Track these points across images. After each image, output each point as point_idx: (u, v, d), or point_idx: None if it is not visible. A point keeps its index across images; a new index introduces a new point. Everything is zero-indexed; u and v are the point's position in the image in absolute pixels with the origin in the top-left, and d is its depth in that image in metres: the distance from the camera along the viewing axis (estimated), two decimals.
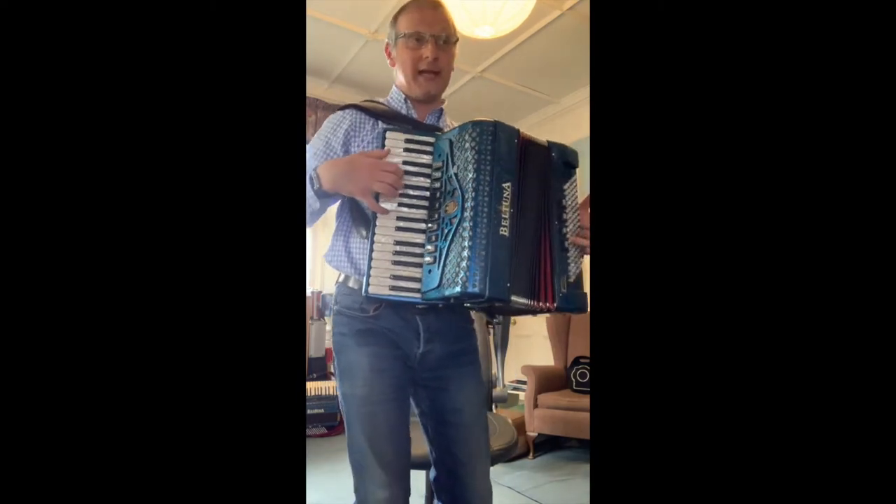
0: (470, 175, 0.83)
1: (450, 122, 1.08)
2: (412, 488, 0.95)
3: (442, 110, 1.07)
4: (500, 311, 0.98)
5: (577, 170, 0.95)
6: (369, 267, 0.85)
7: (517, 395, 3.44)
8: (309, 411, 3.09)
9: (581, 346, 3.04)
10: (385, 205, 0.86)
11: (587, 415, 2.49)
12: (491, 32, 2.30)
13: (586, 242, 0.90)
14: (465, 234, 0.81)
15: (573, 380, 2.91)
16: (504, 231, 0.82)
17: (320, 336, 3.46)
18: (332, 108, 3.46)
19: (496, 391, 1.68)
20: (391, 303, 0.91)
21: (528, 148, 0.88)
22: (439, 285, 0.82)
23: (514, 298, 0.83)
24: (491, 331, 0.99)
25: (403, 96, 1.03)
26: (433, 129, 0.98)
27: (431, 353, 0.96)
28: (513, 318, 2.59)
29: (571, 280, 0.89)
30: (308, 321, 3.40)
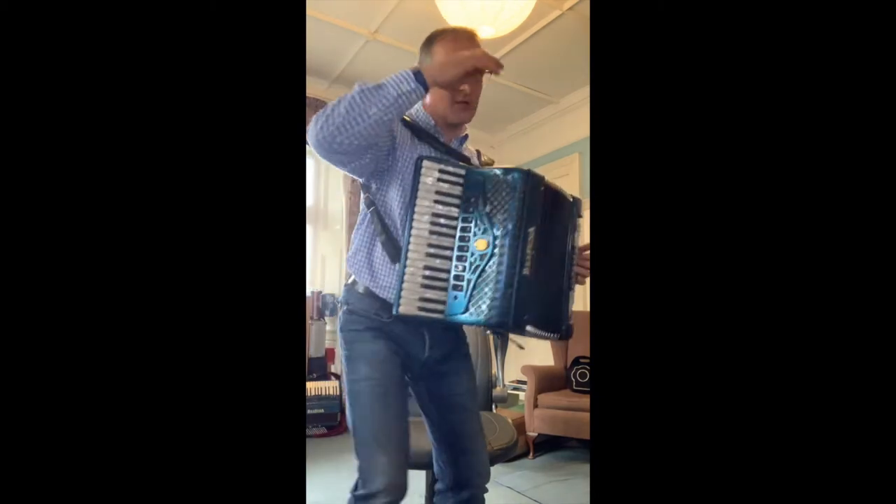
0: (501, 217, 0.93)
1: (470, 148, 1.18)
2: (412, 488, 0.96)
3: (466, 136, 1.15)
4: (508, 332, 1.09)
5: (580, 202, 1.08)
6: (400, 289, 0.93)
7: (517, 395, 3.44)
8: (309, 411, 3.09)
9: (581, 346, 3.04)
10: (417, 231, 0.94)
11: (587, 415, 2.49)
12: (491, 32, 2.29)
13: (584, 273, 1.05)
14: (493, 270, 0.92)
15: (573, 380, 2.91)
16: (527, 271, 0.92)
17: (320, 336, 3.46)
18: None
19: (496, 391, 1.68)
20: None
21: (554, 199, 1.00)
22: (465, 311, 0.93)
23: (529, 329, 0.95)
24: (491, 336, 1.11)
25: (432, 120, 1.09)
26: (461, 157, 1.09)
27: (433, 356, 1.08)
28: None
29: (569, 315, 1.04)
30: (308, 321, 3.40)
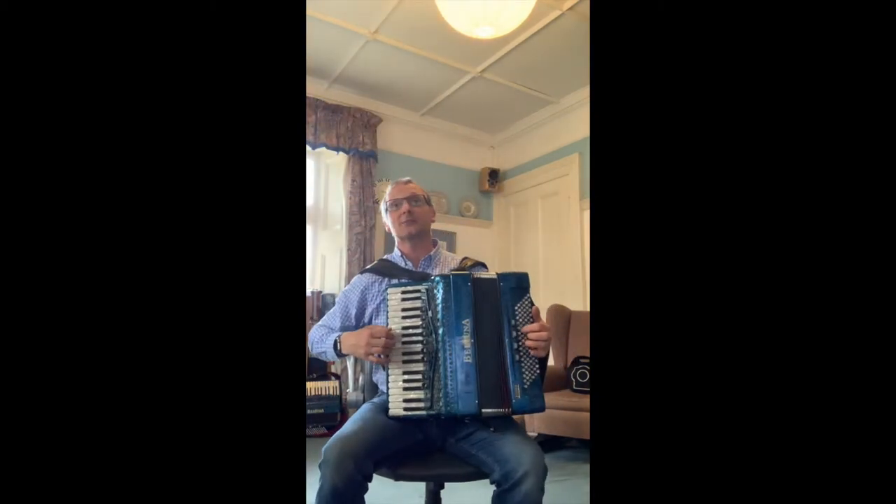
0: (439, 317, 1.13)
1: (442, 262, 1.44)
2: (412, 488, 0.97)
3: (430, 257, 1.43)
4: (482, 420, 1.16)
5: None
6: (387, 393, 1.13)
7: None
8: (309, 411, 3.09)
9: (581, 346, 3.04)
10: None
11: (587, 415, 2.49)
12: (491, 32, 2.30)
13: (533, 344, 1.10)
14: (441, 365, 1.10)
15: (573, 380, 2.91)
16: (468, 359, 1.09)
17: None
18: (331, 108, 3.46)
19: None
20: None
21: (478, 285, 1.14)
22: (431, 405, 1.10)
23: (485, 411, 1.06)
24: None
25: (400, 253, 1.44)
26: (424, 276, 1.33)
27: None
28: None
29: (526, 386, 1.08)
30: (308, 321, 3.40)
